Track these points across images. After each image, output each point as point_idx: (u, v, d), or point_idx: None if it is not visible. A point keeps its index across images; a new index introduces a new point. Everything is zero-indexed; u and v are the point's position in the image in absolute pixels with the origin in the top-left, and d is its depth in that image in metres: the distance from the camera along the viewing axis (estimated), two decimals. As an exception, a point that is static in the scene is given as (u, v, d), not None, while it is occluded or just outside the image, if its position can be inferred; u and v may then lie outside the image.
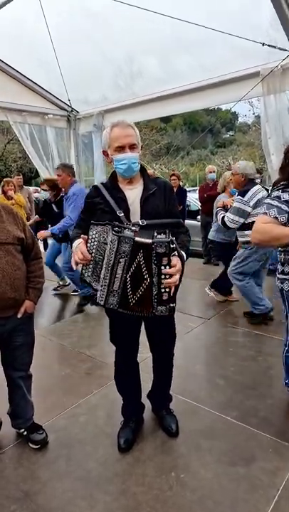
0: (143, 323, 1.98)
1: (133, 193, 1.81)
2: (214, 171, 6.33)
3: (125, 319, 1.75)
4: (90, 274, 1.68)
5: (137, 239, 1.55)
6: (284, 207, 1.90)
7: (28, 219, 6.81)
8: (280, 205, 1.91)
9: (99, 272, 1.63)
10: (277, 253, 2.16)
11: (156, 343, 2.07)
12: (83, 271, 1.70)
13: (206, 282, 4.60)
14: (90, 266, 1.67)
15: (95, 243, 1.63)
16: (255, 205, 3.48)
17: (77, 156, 8.33)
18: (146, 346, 2.07)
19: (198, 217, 6.72)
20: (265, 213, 1.93)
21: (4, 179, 6.68)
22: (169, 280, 1.58)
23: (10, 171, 21.14)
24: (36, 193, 8.49)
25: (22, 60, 6.37)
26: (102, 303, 1.64)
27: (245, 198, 3.52)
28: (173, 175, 6.76)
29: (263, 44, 4.47)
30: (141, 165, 1.85)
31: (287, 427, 2.16)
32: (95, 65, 6.26)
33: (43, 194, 8.72)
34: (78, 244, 1.69)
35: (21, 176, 7.27)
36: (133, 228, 1.59)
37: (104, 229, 1.60)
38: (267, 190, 5.04)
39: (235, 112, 33.86)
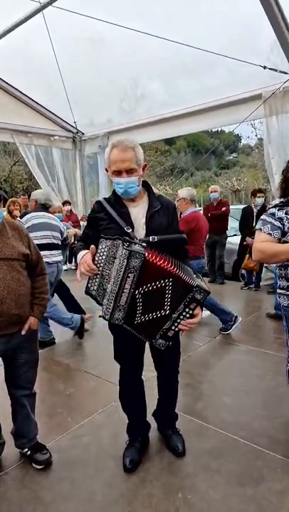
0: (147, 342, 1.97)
1: (136, 210, 1.82)
2: (216, 191, 6.42)
3: (129, 337, 1.73)
4: (95, 288, 1.68)
5: (180, 274, 1.56)
6: (277, 223, 1.96)
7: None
8: (273, 221, 1.97)
9: (105, 286, 1.63)
10: (277, 269, 2.17)
11: (161, 362, 2.04)
12: (89, 284, 1.69)
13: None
14: (97, 280, 1.67)
15: (104, 257, 1.63)
16: None
17: (82, 177, 8.51)
18: (151, 364, 2.05)
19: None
20: (260, 229, 2.00)
21: (10, 199, 6.81)
22: (187, 327, 1.64)
23: (16, 192, 21.51)
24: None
25: (29, 84, 6.63)
26: (107, 317, 1.62)
27: None
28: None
29: (265, 67, 4.64)
30: (145, 182, 1.88)
31: (297, 447, 2.10)
32: (100, 88, 6.50)
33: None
34: (84, 255, 1.69)
35: (27, 196, 7.41)
36: (144, 245, 1.60)
37: (114, 243, 1.60)
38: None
39: (238, 135, 34.61)
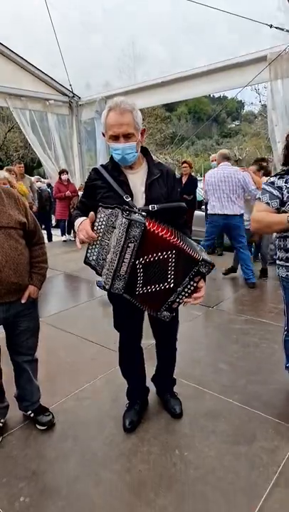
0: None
1: (135, 177, 1.76)
2: (218, 159, 6.25)
3: (129, 306, 1.74)
4: (94, 258, 1.66)
5: (183, 246, 1.55)
6: (276, 192, 1.93)
7: (30, 208, 6.81)
8: (272, 190, 1.94)
9: (105, 255, 1.62)
10: (276, 240, 2.17)
11: (160, 330, 2.08)
12: (88, 254, 1.68)
13: (211, 272, 4.61)
14: (96, 249, 1.65)
15: (102, 226, 1.61)
16: None
17: (79, 144, 8.27)
18: (151, 332, 2.09)
19: (203, 207, 6.68)
20: (259, 198, 1.98)
21: (5, 167, 6.66)
22: (192, 301, 1.64)
23: (11, 160, 21.02)
24: (38, 183, 8.48)
25: (22, 43, 6.28)
26: (107, 287, 1.62)
27: None
28: (185, 162, 6.69)
29: (271, 26, 4.40)
30: (144, 148, 1.81)
31: (289, 409, 2.20)
32: (96, 48, 6.18)
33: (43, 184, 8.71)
34: (82, 222, 1.65)
35: (23, 165, 7.24)
36: (144, 214, 1.57)
37: (113, 212, 1.57)
38: None
39: (241, 101, 33.38)
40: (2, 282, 1.80)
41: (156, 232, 1.53)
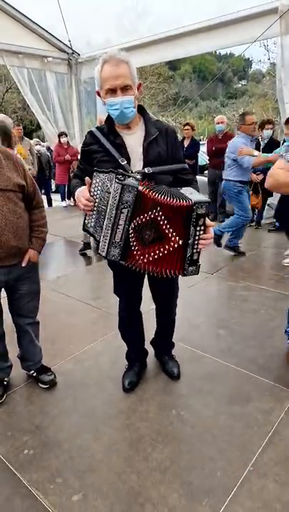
0: (146, 276, 1.98)
1: (132, 138, 1.68)
2: (223, 122, 6.02)
3: (129, 271, 1.72)
4: (92, 224, 1.62)
5: (170, 200, 1.46)
6: None
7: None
8: None
9: (102, 222, 1.58)
10: None
11: (160, 296, 2.09)
12: (86, 221, 1.64)
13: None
14: (93, 216, 1.61)
15: (98, 192, 1.56)
16: None
17: (79, 105, 7.95)
18: (150, 298, 2.10)
19: (206, 172, 6.52)
20: (282, 155, 1.88)
21: (4, 129, 6.41)
22: (204, 242, 1.56)
23: (10, 122, 20.32)
24: (38, 146, 8.23)
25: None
26: (103, 254, 1.59)
27: None
28: (187, 124, 6.46)
29: (283, -26, 4.06)
30: (141, 106, 1.72)
31: (285, 373, 2.25)
32: (97, 1, 5.76)
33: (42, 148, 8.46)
34: (81, 190, 1.61)
35: (21, 127, 7.00)
36: (138, 177, 1.51)
37: (108, 177, 1.51)
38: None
39: (248, 59, 31.72)
40: (2, 246, 1.79)
41: (146, 193, 1.47)
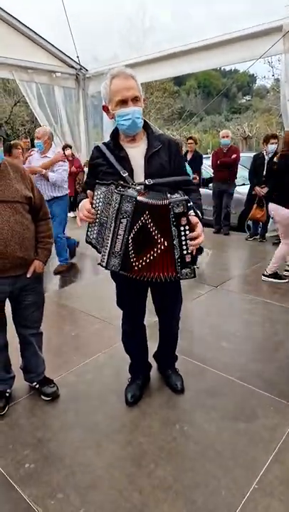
0: (149, 288, 1.98)
1: (135, 152, 1.72)
2: (228, 136, 6.09)
3: (132, 284, 1.73)
4: (94, 236, 1.65)
5: (147, 200, 1.48)
6: None
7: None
8: None
9: (103, 233, 1.60)
10: None
11: (163, 308, 2.08)
12: (88, 232, 1.66)
13: (216, 251, 4.58)
14: (96, 228, 1.63)
15: (100, 204, 1.58)
16: None
17: (86, 119, 8.08)
18: (154, 309, 2.10)
19: (210, 185, 6.56)
20: None
21: (12, 142, 6.55)
22: (193, 242, 1.55)
23: (17, 135, 20.71)
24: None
25: (28, 14, 6.05)
26: (103, 264, 1.60)
27: None
28: (190, 138, 6.55)
29: (287, -6, 4.15)
30: (144, 121, 1.75)
31: (290, 388, 2.22)
32: (104, 19, 5.92)
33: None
34: (83, 203, 1.64)
35: (29, 140, 7.13)
36: (138, 188, 1.53)
37: (109, 189, 1.54)
38: None
39: (253, 74, 32.19)
40: (8, 256, 1.81)
41: (142, 202, 1.49)
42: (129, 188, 1.51)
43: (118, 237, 1.54)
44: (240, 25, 5.06)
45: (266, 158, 5.38)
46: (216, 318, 3.24)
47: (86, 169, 7.49)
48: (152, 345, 2.26)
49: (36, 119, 8.06)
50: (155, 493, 1.57)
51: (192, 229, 1.55)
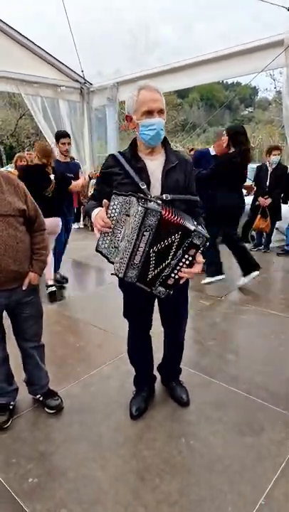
0: (156, 299, 1.98)
1: (153, 164, 1.74)
2: (231, 148, 6.13)
3: (140, 295, 1.74)
4: (106, 246, 1.64)
5: (182, 222, 1.51)
6: None
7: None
8: None
9: (117, 243, 1.60)
10: None
11: (170, 319, 2.07)
12: (100, 242, 1.65)
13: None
14: (108, 237, 1.63)
15: (116, 214, 1.58)
16: None
17: (90, 131, 8.18)
18: (159, 320, 2.09)
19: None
20: None
21: (17, 154, 6.65)
22: (184, 274, 1.58)
23: (22, 147, 21.00)
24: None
25: (33, 29, 6.19)
26: (120, 275, 1.61)
27: None
28: (192, 149, 6.64)
29: (288, 9, 4.23)
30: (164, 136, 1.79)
31: (297, 401, 2.19)
32: (108, 34, 6.05)
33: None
34: (98, 212, 1.63)
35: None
36: (159, 202, 1.55)
37: (127, 200, 1.54)
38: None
39: (255, 87, 32.60)
40: (1, 270, 1.81)
41: (170, 218, 1.51)
42: (150, 201, 1.52)
43: (139, 249, 1.54)
44: (242, 39, 5.14)
45: (269, 169, 5.41)
46: (222, 329, 3.21)
47: (92, 181, 7.54)
48: (156, 357, 2.24)
49: (41, 131, 8.17)
50: (160, 508, 1.54)
51: (192, 263, 1.58)
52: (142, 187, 1.64)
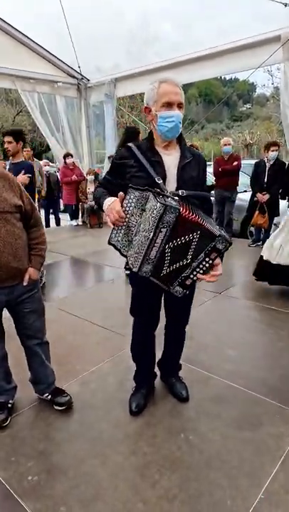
0: (163, 295, 1.99)
1: (169, 159, 1.73)
2: (230, 144, 6.12)
3: (150, 292, 1.75)
4: (119, 239, 1.64)
5: (205, 225, 1.53)
6: None
7: (39, 192, 6.78)
8: None
9: (131, 237, 1.61)
10: None
11: (175, 315, 2.08)
12: (113, 235, 1.65)
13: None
14: (122, 230, 1.62)
15: (131, 208, 1.57)
16: None
17: (88, 128, 8.16)
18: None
19: (212, 192, 6.58)
20: None
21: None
22: (207, 277, 1.61)
23: (20, 144, 20.84)
24: (47, 167, 8.42)
25: (30, 25, 6.14)
26: (135, 269, 1.61)
27: None
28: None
29: (286, 5, 4.21)
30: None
31: (296, 396, 2.20)
32: (106, 30, 6.00)
33: (51, 168, 8.63)
34: (112, 203, 1.60)
35: (29, 148, 7.17)
36: (176, 198, 1.55)
37: (144, 195, 1.54)
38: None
39: (253, 83, 32.56)
40: (2, 268, 1.80)
41: (188, 216, 1.51)
42: (167, 197, 1.53)
43: (155, 245, 1.54)
44: (240, 35, 5.12)
45: (267, 165, 5.41)
46: (220, 325, 3.22)
47: (89, 177, 7.52)
48: (157, 355, 2.24)
49: (38, 128, 8.14)
50: (160, 504, 1.54)
51: (212, 266, 1.62)
52: (158, 182, 1.63)
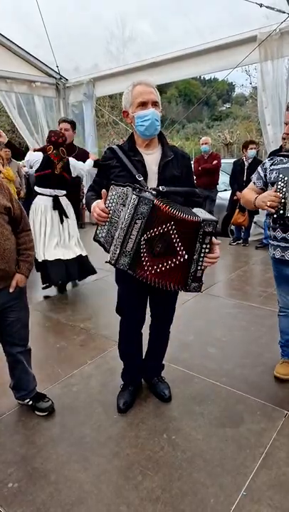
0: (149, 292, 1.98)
1: (150, 158, 1.78)
2: (207, 143, 6.18)
3: (135, 289, 1.76)
4: (104, 235, 1.68)
5: (178, 213, 1.54)
6: (261, 173, 2.08)
7: (18, 193, 6.65)
8: (260, 171, 2.10)
9: (113, 233, 1.64)
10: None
11: (160, 314, 2.09)
12: (97, 231, 1.70)
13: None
14: (105, 227, 1.67)
15: (113, 204, 1.62)
16: None
17: (67, 128, 8.00)
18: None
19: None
20: (252, 177, 2.15)
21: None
22: (210, 261, 1.63)
23: (-1, 145, 20.47)
24: (26, 168, 8.27)
25: (6, 24, 6.02)
26: (113, 262, 1.63)
27: None
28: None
29: (261, 5, 4.28)
30: (160, 131, 1.82)
31: (276, 391, 2.23)
32: (84, 29, 5.94)
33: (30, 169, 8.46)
34: (97, 203, 1.67)
35: (8, 149, 7.02)
36: (153, 193, 1.60)
37: (124, 190, 1.59)
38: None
39: (232, 83, 32.98)
40: None
41: (161, 207, 1.54)
42: (145, 191, 1.58)
43: (131, 237, 1.58)
44: (217, 35, 5.17)
45: (246, 163, 5.49)
46: (202, 323, 3.24)
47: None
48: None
49: (17, 128, 7.99)
50: (143, 505, 1.54)
51: (212, 248, 1.63)
52: (139, 179, 1.68)
